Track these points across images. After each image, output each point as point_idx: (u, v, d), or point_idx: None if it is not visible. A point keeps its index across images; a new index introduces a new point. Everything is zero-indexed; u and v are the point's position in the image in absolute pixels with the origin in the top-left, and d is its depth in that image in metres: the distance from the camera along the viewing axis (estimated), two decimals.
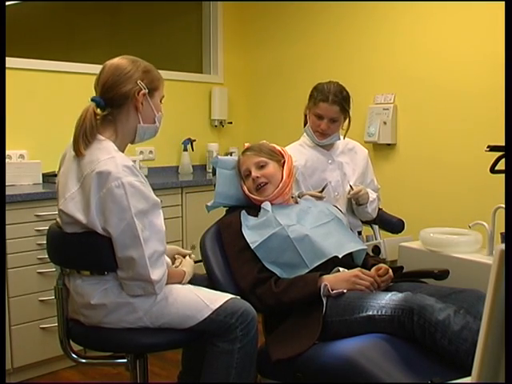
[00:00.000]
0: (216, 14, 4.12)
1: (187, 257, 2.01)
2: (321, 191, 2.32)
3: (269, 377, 1.87)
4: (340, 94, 2.36)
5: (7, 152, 2.99)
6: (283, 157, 2.16)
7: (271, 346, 1.81)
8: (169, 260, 1.86)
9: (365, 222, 2.60)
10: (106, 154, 1.66)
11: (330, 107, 2.34)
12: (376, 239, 2.66)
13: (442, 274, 2.03)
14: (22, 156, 3.13)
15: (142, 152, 3.66)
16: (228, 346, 1.75)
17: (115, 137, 1.75)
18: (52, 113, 3.26)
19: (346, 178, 2.48)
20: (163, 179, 3.41)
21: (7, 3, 2.93)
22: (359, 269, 1.93)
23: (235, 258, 1.99)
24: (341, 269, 1.94)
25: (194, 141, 3.87)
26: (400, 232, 2.61)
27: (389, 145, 3.44)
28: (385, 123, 3.39)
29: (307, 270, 1.91)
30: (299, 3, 3.81)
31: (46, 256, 1.91)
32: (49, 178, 3.00)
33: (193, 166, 3.86)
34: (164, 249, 1.73)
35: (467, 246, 2.34)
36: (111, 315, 1.73)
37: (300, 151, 2.45)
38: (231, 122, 4.17)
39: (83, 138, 1.68)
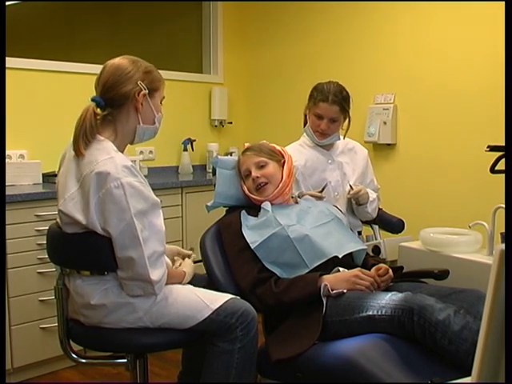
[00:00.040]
0: (216, 14, 4.12)
1: (187, 258, 2.01)
2: (321, 191, 2.32)
3: (269, 377, 1.87)
4: (340, 94, 2.36)
5: (7, 152, 2.99)
6: (283, 157, 2.16)
7: (271, 346, 1.81)
8: (169, 260, 1.86)
9: (365, 222, 2.60)
10: (106, 155, 1.66)
11: (329, 107, 2.34)
12: (376, 239, 2.66)
13: (442, 274, 2.03)
14: (22, 156, 3.13)
15: (142, 152, 3.66)
16: (228, 345, 1.75)
17: (115, 137, 1.75)
18: (52, 113, 3.26)
19: (346, 177, 2.48)
20: (163, 179, 3.41)
21: (7, 3, 2.93)
22: (359, 269, 1.93)
23: (235, 258, 1.99)
24: (341, 269, 1.94)
25: (194, 141, 3.87)
26: (400, 232, 2.61)
27: (389, 145, 3.44)
28: (385, 123, 3.39)
29: (307, 270, 1.91)
30: (299, 3, 3.81)
31: (46, 256, 1.91)
32: (49, 178, 3.00)
33: (193, 166, 3.86)
34: (164, 249, 1.73)
35: (467, 246, 2.34)
36: (111, 315, 1.73)
37: (300, 151, 2.45)
38: (231, 122, 4.17)
39: (83, 137, 1.68)
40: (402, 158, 3.42)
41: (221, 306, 1.75)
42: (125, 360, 1.88)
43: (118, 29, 4.48)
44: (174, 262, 1.97)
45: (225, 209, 2.25)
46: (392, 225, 2.59)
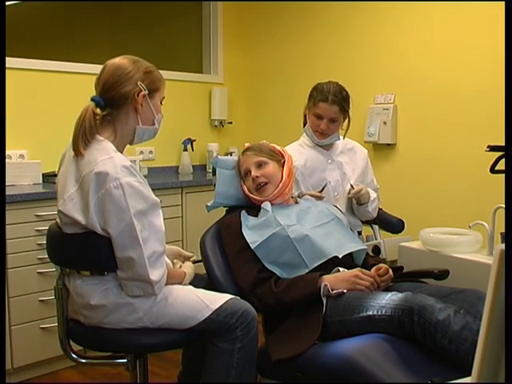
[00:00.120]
0: (216, 14, 4.12)
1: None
2: (320, 191, 2.32)
3: (269, 377, 1.87)
4: (339, 94, 2.36)
5: (7, 152, 2.99)
6: (283, 157, 2.16)
7: (271, 346, 1.81)
8: (169, 261, 1.86)
9: (365, 222, 2.60)
10: (105, 155, 1.66)
11: (329, 107, 2.34)
12: (376, 239, 2.66)
13: (442, 274, 2.03)
14: (22, 156, 3.13)
15: (141, 152, 3.66)
16: (228, 346, 1.75)
17: (114, 137, 1.75)
18: (52, 113, 3.26)
19: (346, 177, 2.48)
20: (163, 179, 3.41)
21: (7, 3, 2.93)
22: (359, 269, 1.93)
23: (235, 258, 1.99)
24: (341, 269, 1.94)
25: (194, 141, 3.87)
26: (400, 232, 2.61)
27: (389, 145, 3.44)
28: (385, 123, 3.39)
29: (307, 270, 1.91)
30: (299, 3, 3.81)
31: (46, 256, 1.91)
32: (49, 178, 3.00)
33: (193, 166, 3.86)
34: (163, 249, 1.73)
35: (467, 246, 2.34)
36: (111, 316, 1.73)
37: (299, 151, 2.45)
38: (231, 122, 4.17)
39: (82, 137, 1.67)
40: (401, 157, 3.42)
41: (221, 306, 1.75)
42: (125, 360, 1.88)
43: (117, 29, 4.49)
44: (174, 264, 1.97)
45: (225, 209, 2.25)
46: (392, 225, 2.59)
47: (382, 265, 2.02)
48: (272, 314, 1.95)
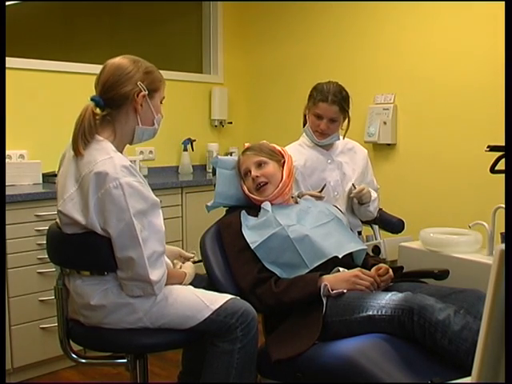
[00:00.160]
0: (216, 14, 4.12)
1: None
2: (320, 191, 2.32)
3: (269, 377, 1.87)
4: (339, 94, 2.36)
5: (7, 152, 2.99)
6: (283, 157, 2.16)
7: (271, 346, 1.81)
8: (169, 261, 1.86)
9: (365, 222, 2.60)
10: (104, 155, 1.66)
11: (329, 107, 2.34)
12: (376, 239, 2.66)
13: (442, 274, 2.03)
14: (22, 156, 3.13)
15: (141, 152, 3.66)
16: (228, 346, 1.75)
17: (114, 137, 1.74)
18: (52, 113, 3.26)
19: (346, 177, 2.48)
20: (163, 179, 3.41)
21: (7, 3, 2.93)
22: (359, 269, 1.93)
23: (235, 258, 1.99)
24: (341, 269, 1.94)
25: (194, 141, 3.87)
26: (400, 232, 2.61)
27: (389, 145, 3.44)
28: (385, 123, 3.39)
29: (307, 270, 1.91)
30: (300, 3, 3.81)
31: (46, 256, 1.91)
32: (49, 178, 3.00)
33: (193, 166, 3.86)
34: (163, 249, 1.72)
35: (467, 246, 2.34)
36: (111, 316, 1.73)
37: (299, 151, 2.46)
38: (231, 122, 4.17)
39: (82, 137, 1.67)
40: (401, 157, 3.42)
41: (221, 307, 1.75)
42: (125, 360, 1.88)
43: (117, 29, 4.48)
44: (174, 265, 1.97)
45: (225, 209, 2.25)
46: (392, 225, 2.60)
47: (381, 265, 2.02)
48: (272, 314, 1.95)
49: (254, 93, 4.23)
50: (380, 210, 2.59)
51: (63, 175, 1.74)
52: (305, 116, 2.48)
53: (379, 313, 1.69)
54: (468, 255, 2.28)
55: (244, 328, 1.75)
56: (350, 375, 1.57)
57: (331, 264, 1.95)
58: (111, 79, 1.71)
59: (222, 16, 4.13)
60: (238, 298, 1.83)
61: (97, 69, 1.81)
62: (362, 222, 2.58)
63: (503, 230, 2.16)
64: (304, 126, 2.49)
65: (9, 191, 2.64)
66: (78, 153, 1.68)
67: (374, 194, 2.48)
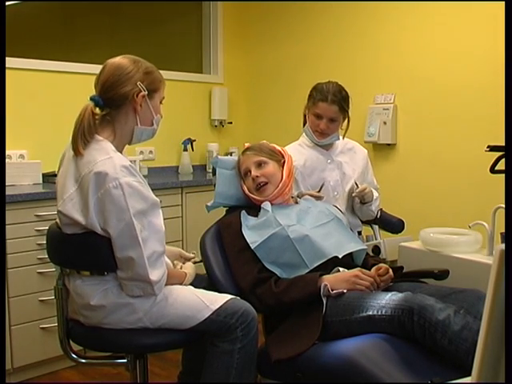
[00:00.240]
0: (216, 14, 4.12)
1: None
2: (318, 191, 2.33)
3: (269, 377, 1.87)
4: (339, 94, 2.36)
5: (7, 152, 2.99)
6: (283, 157, 2.16)
7: (271, 345, 1.81)
8: (169, 261, 1.86)
9: (365, 222, 2.60)
10: (104, 155, 1.65)
11: (328, 107, 2.34)
12: (376, 239, 2.66)
13: (442, 274, 2.03)
14: (22, 156, 3.13)
15: (141, 152, 3.66)
16: (228, 346, 1.75)
17: (113, 137, 1.74)
18: (52, 113, 3.26)
19: (346, 177, 2.48)
20: (163, 179, 3.41)
21: (7, 3, 2.93)
22: (359, 269, 1.93)
23: (235, 258, 1.99)
24: (341, 269, 1.94)
25: (194, 141, 3.87)
26: (400, 232, 2.61)
27: (389, 145, 3.44)
28: (385, 123, 3.39)
29: (307, 270, 1.91)
30: (300, 3, 3.81)
31: (46, 256, 1.91)
32: (49, 178, 3.00)
33: (193, 166, 3.86)
34: (163, 249, 1.72)
35: (467, 246, 2.34)
36: (111, 316, 1.73)
37: (299, 151, 2.46)
38: (231, 122, 4.17)
39: (81, 137, 1.67)
40: (401, 157, 3.42)
41: (221, 307, 1.75)
42: (125, 360, 1.89)
43: (117, 29, 4.48)
44: (174, 265, 1.97)
45: (225, 209, 2.25)
46: (392, 225, 2.59)
47: (382, 265, 2.02)
48: (272, 314, 1.95)
49: (254, 93, 4.23)
50: (380, 209, 2.59)
51: (63, 175, 1.74)
52: (305, 116, 2.48)
53: (379, 313, 1.69)
54: (468, 255, 2.28)
55: (244, 328, 1.75)
56: (350, 375, 1.57)
57: (331, 264, 1.95)
58: (111, 79, 1.71)
59: (222, 16, 4.13)
60: (238, 298, 1.83)
61: (97, 69, 1.81)
62: (362, 221, 2.58)
63: (503, 230, 2.16)
64: (304, 125, 2.49)
65: (9, 191, 2.64)
66: (77, 152, 1.67)
67: (375, 194, 2.49)
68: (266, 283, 1.90)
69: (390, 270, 1.97)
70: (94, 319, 1.75)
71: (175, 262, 2.00)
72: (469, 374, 0.82)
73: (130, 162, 1.72)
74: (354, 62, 3.57)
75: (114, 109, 1.73)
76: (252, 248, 1.94)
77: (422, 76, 3.27)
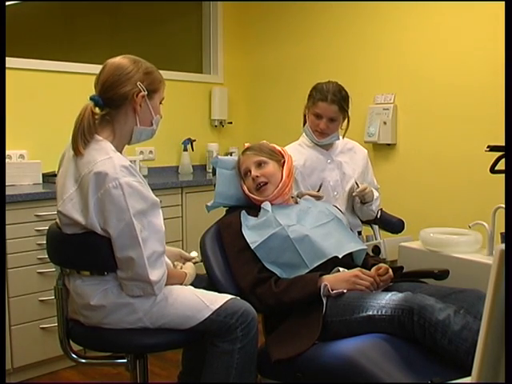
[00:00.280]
0: (216, 14, 4.12)
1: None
2: (317, 191, 2.33)
3: (269, 377, 1.87)
4: (339, 94, 2.36)
5: (7, 152, 2.99)
6: (283, 157, 2.16)
7: (271, 345, 1.81)
8: (169, 261, 1.86)
9: (365, 222, 2.60)
10: (104, 155, 1.65)
11: (328, 107, 2.34)
12: (376, 239, 2.66)
13: (442, 274, 2.03)
14: (22, 156, 3.13)
15: (141, 152, 3.66)
16: (228, 346, 1.75)
17: (113, 137, 1.74)
18: (52, 113, 3.26)
19: (346, 177, 2.48)
20: (163, 179, 3.41)
21: (7, 3, 2.93)
22: (359, 269, 1.93)
23: (235, 258, 1.99)
24: (341, 269, 1.94)
25: (194, 141, 3.87)
26: (400, 232, 2.61)
27: (389, 145, 3.44)
28: (385, 123, 3.39)
29: (307, 270, 1.91)
30: (300, 3, 3.81)
31: (46, 256, 1.91)
32: (49, 178, 3.00)
33: (193, 166, 3.86)
34: (163, 249, 1.72)
35: (467, 246, 2.34)
36: (111, 316, 1.73)
37: (299, 151, 2.46)
38: (231, 122, 4.17)
39: (81, 136, 1.67)
40: (401, 157, 3.42)
41: (221, 307, 1.75)
42: (125, 360, 1.89)
43: (117, 29, 4.48)
44: (174, 266, 1.96)
45: (225, 209, 2.25)
46: (392, 225, 2.59)
47: (381, 265, 2.02)
48: (272, 314, 1.95)
49: (253, 93, 4.23)
50: (380, 209, 2.59)
51: (63, 175, 1.73)
52: (305, 116, 2.48)
53: (379, 313, 1.69)
54: (468, 255, 2.28)
55: (244, 328, 1.75)
56: (350, 375, 1.57)
57: (331, 264, 1.95)
58: (111, 79, 1.71)
59: (222, 16, 4.13)
60: (238, 298, 1.83)
61: (97, 69, 1.81)
62: (362, 221, 2.58)
63: (503, 230, 2.16)
64: (304, 125, 2.49)
65: (9, 191, 2.64)
66: (77, 152, 1.67)
67: (376, 193, 2.49)
68: (266, 283, 1.90)
69: (390, 270, 1.97)
70: (94, 319, 1.75)
71: (176, 262, 2.00)
72: (469, 374, 0.82)
73: (130, 161, 1.72)
74: (354, 62, 3.57)
75: (113, 109, 1.73)
76: (252, 248, 1.94)
77: (422, 76, 3.27)
